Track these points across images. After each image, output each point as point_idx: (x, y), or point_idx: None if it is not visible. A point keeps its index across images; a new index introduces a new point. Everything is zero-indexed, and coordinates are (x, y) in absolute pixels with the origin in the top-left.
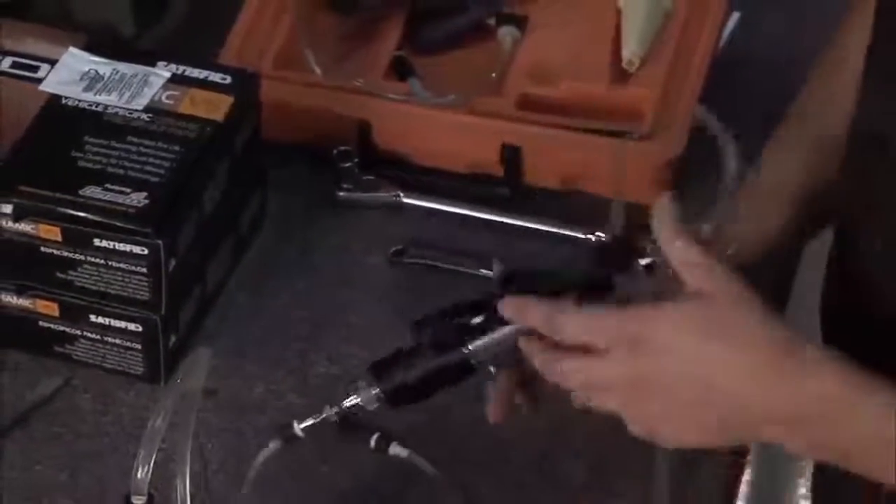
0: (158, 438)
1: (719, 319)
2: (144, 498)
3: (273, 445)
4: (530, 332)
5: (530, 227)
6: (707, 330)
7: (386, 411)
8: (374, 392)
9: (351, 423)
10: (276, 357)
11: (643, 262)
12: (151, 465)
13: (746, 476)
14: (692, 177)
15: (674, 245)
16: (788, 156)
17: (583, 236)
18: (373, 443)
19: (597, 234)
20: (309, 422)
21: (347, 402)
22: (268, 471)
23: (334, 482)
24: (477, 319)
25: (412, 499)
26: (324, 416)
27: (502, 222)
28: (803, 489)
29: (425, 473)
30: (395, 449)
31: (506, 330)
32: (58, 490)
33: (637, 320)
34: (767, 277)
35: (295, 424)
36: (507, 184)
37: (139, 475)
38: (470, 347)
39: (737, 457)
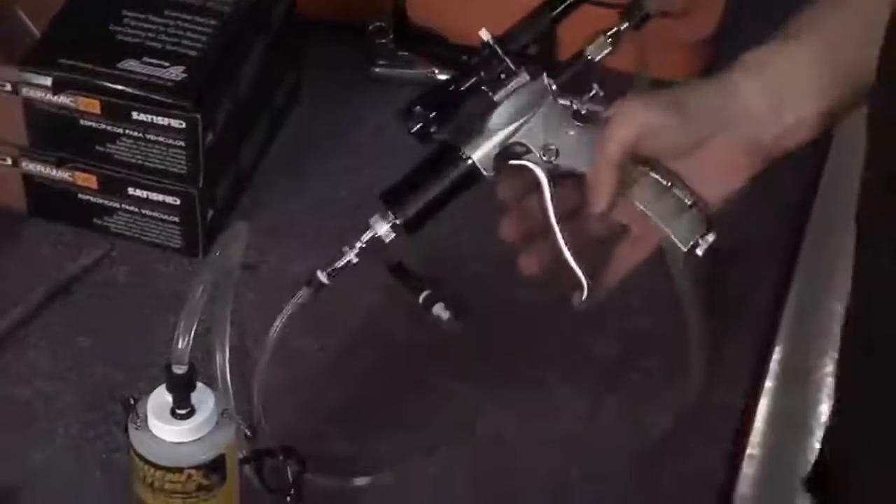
0: (198, 311)
1: None
2: (186, 367)
3: (300, 295)
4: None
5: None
6: None
7: (403, 241)
8: (388, 223)
9: (407, 272)
10: (314, 235)
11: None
12: (192, 336)
13: (776, 355)
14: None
15: None
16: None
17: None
18: (421, 299)
19: None
20: (331, 266)
21: (365, 238)
22: (297, 359)
23: (363, 365)
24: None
25: (444, 375)
26: (346, 259)
27: None
28: (830, 367)
29: (455, 349)
30: (438, 310)
31: (497, 134)
32: (98, 359)
33: None
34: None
35: (318, 273)
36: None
37: (180, 345)
38: (471, 157)
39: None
